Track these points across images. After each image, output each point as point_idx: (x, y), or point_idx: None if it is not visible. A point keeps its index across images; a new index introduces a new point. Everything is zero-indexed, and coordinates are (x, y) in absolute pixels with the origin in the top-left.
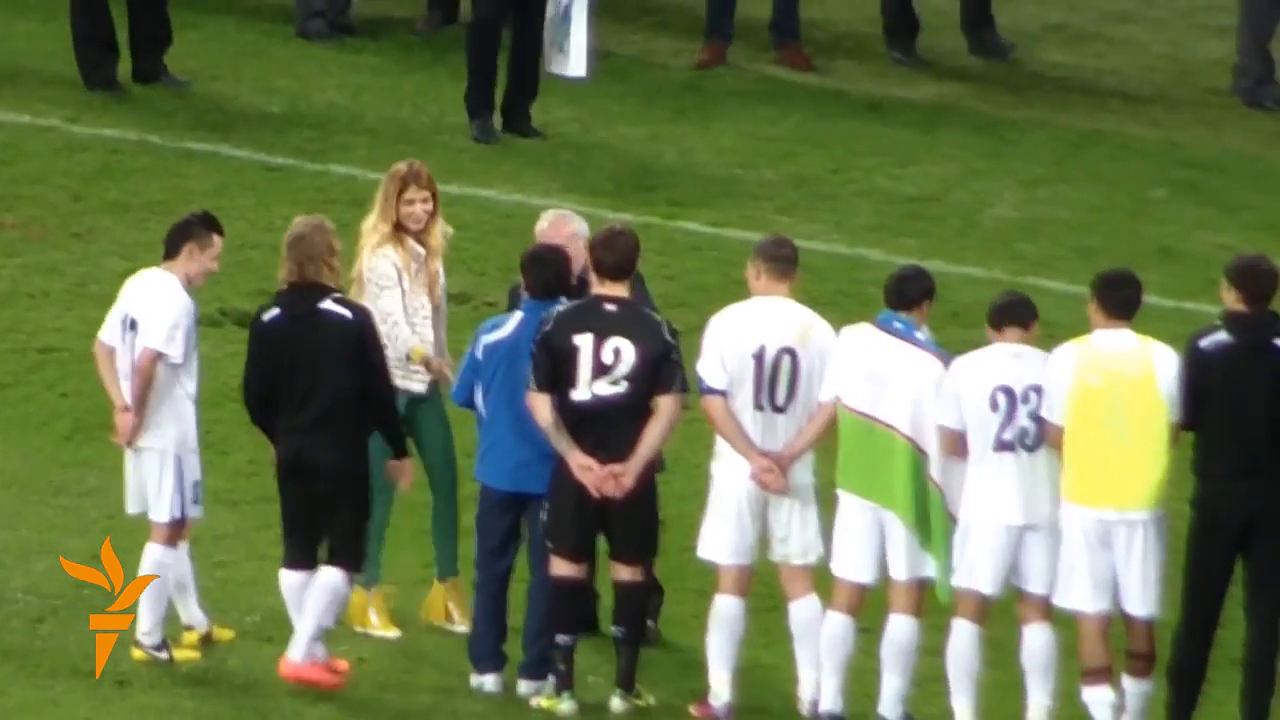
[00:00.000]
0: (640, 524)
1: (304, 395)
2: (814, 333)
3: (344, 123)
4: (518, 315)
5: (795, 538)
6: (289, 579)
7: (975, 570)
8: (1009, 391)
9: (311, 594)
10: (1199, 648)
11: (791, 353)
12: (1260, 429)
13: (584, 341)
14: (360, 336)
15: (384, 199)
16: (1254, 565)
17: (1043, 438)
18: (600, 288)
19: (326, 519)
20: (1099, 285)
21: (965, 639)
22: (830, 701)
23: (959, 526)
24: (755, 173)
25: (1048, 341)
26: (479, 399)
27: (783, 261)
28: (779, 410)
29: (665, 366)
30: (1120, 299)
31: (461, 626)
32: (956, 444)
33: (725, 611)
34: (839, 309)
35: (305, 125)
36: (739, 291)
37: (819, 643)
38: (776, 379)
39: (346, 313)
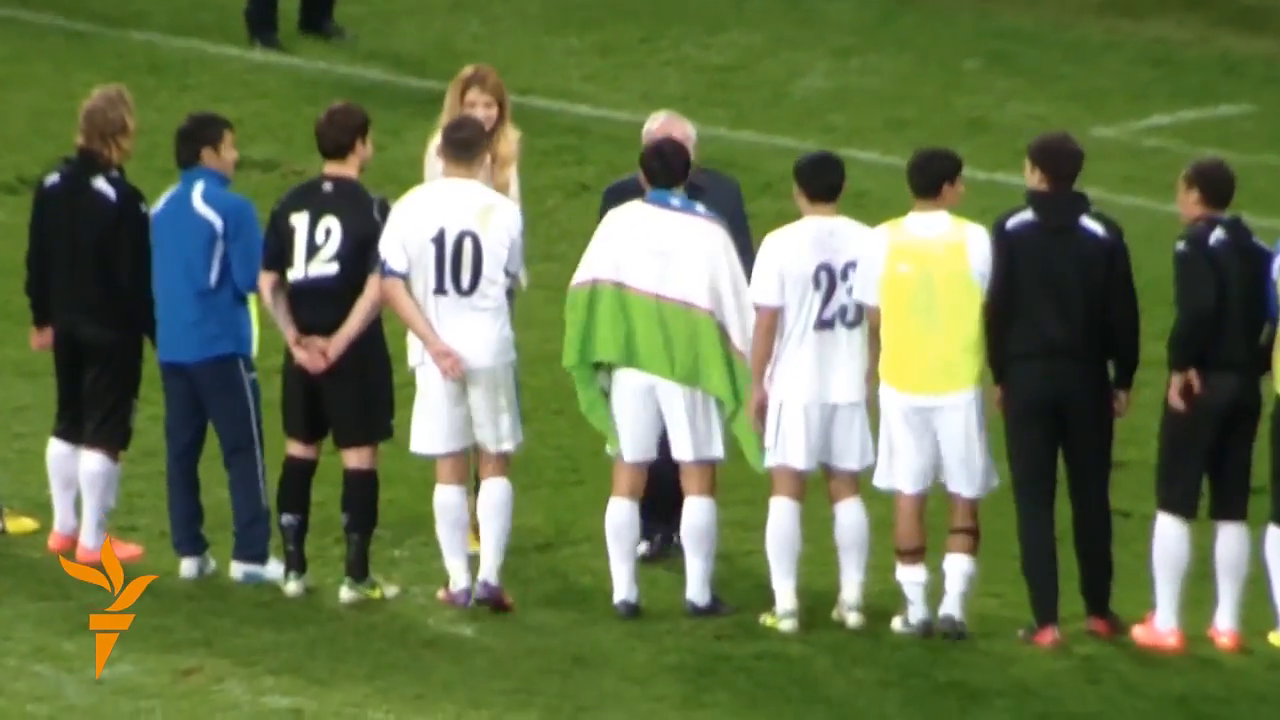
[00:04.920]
0: (354, 406)
1: (73, 268)
2: (495, 214)
3: None
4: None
5: (491, 424)
6: (53, 447)
7: (789, 448)
8: (829, 269)
9: (83, 483)
10: (1039, 534)
11: (473, 235)
12: (1067, 309)
13: (300, 221)
14: (119, 219)
15: (449, 102)
16: (1070, 447)
17: (861, 315)
18: (325, 167)
19: (91, 396)
20: (908, 167)
21: (786, 517)
22: (625, 590)
23: (771, 403)
24: (561, 40)
25: (858, 212)
26: None
27: (457, 145)
28: (463, 293)
29: (372, 247)
30: (923, 182)
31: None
32: (776, 321)
33: (446, 501)
34: None
35: None
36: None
37: (504, 521)
38: (459, 262)
39: (112, 193)
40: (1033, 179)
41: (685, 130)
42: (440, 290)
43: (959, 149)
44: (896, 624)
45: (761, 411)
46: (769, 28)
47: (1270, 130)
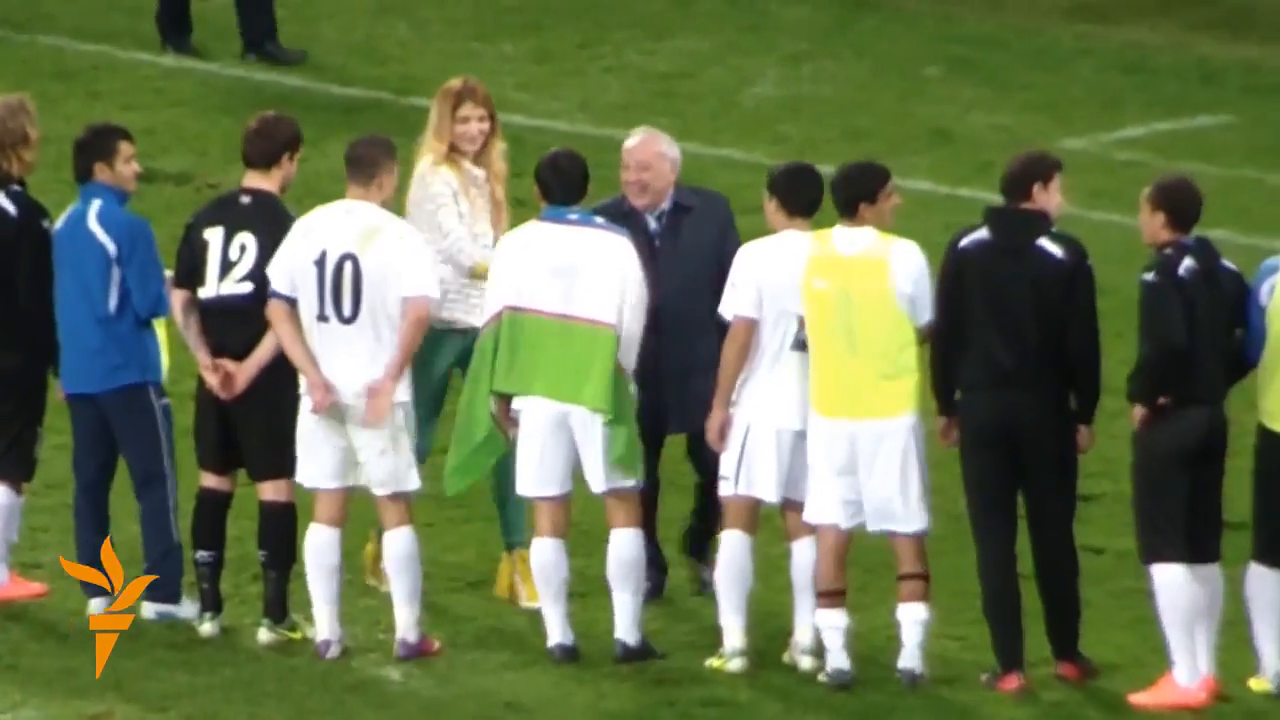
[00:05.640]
0: (268, 435)
1: None
2: (380, 236)
3: None
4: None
5: (375, 464)
6: None
7: (756, 477)
8: None
9: None
10: (1000, 573)
11: (353, 259)
12: (1021, 335)
13: (214, 236)
14: (18, 236)
15: (437, 117)
16: (1027, 480)
17: None
18: (245, 179)
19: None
20: (830, 182)
21: (738, 550)
22: (558, 633)
23: (735, 428)
24: (494, 46)
25: (813, 227)
26: None
27: (354, 163)
28: (346, 321)
29: None
30: (838, 200)
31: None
32: (752, 336)
33: (317, 543)
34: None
35: None
36: None
37: (412, 575)
38: (340, 287)
39: (12, 209)
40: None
41: (664, 148)
42: (322, 317)
43: (919, 161)
44: (805, 662)
45: (724, 434)
46: (716, 33)
47: (1250, 142)
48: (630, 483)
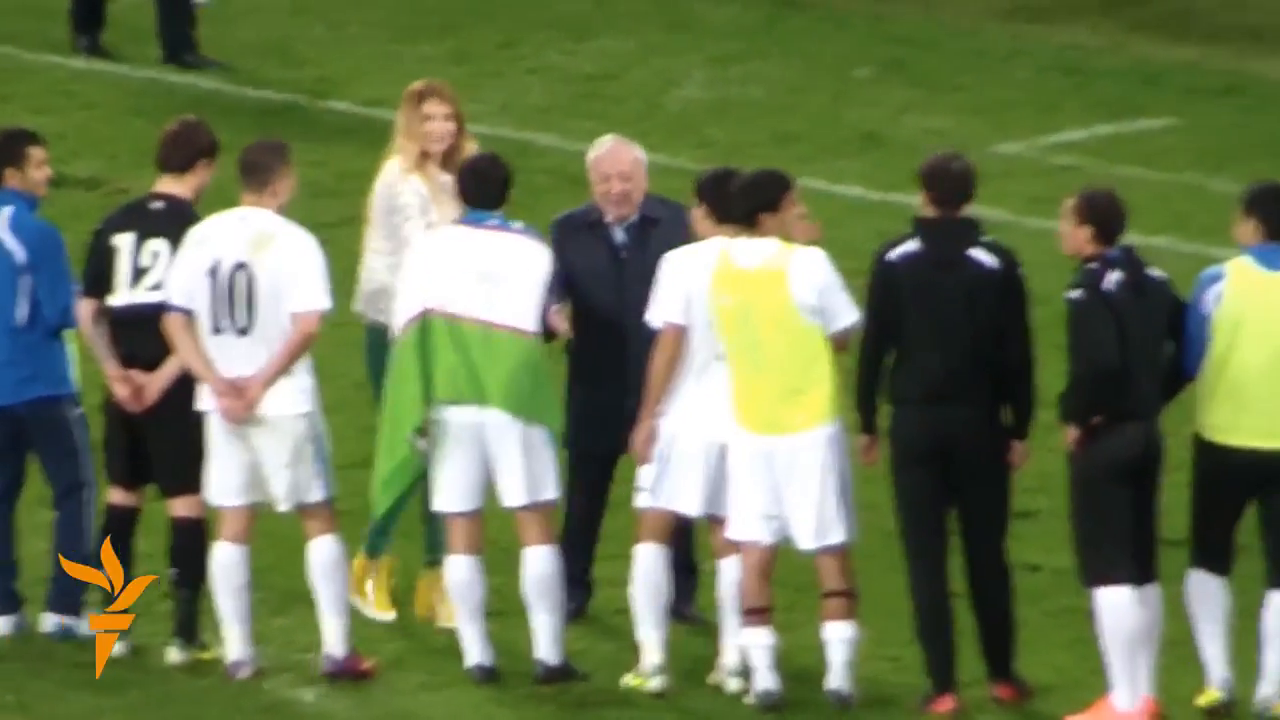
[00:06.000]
0: (179, 448)
1: None
2: (274, 243)
3: None
4: None
5: (277, 477)
6: None
7: (678, 490)
8: None
9: None
10: (931, 592)
11: (246, 268)
12: (954, 348)
13: (125, 242)
14: None
15: (405, 118)
16: (960, 498)
17: None
18: (158, 184)
19: None
20: (732, 193)
21: (656, 563)
22: (477, 653)
23: (662, 440)
24: (413, 47)
25: None
26: None
27: (244, 169)
28: (240, 333)
29: None
30: (738, 211)
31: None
32: (681, 344)
33: (224, 561)
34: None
35: None
36: None
37: (338, 584)
38: (233, 298)
39: None
40: (921, 202)
41: (638, 154)
42: (216, 329)
43: (850, 165)
44: (732, 683)
45: (652, 444)
46: (641, 33)
47: (1193, 146)
48: (547, 497)
